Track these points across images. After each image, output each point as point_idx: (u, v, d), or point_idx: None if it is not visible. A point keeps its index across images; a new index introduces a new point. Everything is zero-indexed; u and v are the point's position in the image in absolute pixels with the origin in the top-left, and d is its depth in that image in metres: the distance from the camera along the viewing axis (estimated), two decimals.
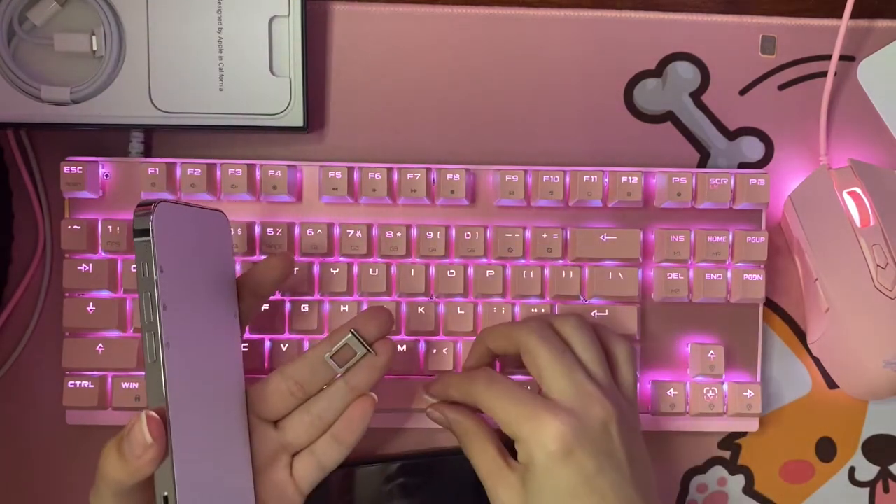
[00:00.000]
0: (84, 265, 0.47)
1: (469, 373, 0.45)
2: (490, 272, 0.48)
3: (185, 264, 0.37)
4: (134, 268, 0.47)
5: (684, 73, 0.51)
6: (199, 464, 0.37)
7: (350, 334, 0.41)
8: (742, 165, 0.51)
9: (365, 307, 0.48)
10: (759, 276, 0.48)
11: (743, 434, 0.51)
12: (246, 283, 0.42)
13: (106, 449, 0.36)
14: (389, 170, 0.48)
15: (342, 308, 0.48)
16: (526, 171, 0.48)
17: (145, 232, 0.35)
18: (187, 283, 0.37)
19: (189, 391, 0.37)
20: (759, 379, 0.49)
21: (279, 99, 0.48)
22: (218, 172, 0.48)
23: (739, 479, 0.51)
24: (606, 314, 0.48)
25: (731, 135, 0.51)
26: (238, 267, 0.47)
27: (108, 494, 0.36)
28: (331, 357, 0.41)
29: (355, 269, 0.48)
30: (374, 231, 0.48)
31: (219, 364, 0.40)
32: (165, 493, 0.35)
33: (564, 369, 0.41)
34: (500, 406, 0.41)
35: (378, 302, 0.48)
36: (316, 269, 0.48)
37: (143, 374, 0.38)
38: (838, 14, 0.50)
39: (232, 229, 0.44)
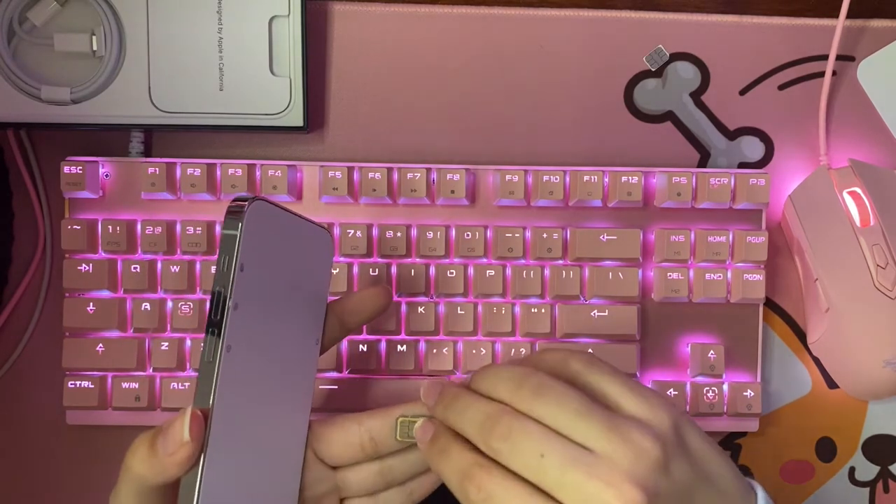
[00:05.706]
0: (84, 265, 0.47)
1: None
2: (490, 272, 0.48)
3: (270, 271, 0.34)
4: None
5: (684, 73, 0.51)
6: (232, 485, 0.33)
7: None
8: (742, 165, 0.51)
9: None
10: (759, 276, 0.48)
11: (743, 434, 0.51)
12: (335, 309, 0.39)
13: (136, 442, 0.33)
14: (389, 170, 0.48)
15: None
16: (526, 171, 0.48)
17: (234, 225, 0.32)
18: (267, 291, 0.34)
19: (241, 404, 0.33)
20: (759, 379, 0.49)
21: (279, 99, 0.48)
22: (218, 172, 0.48)
23: None
24: (606, 314, 0.48)
25: (731, 135, 0.51)
26: None
27: (129, 494, 0.33)
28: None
29: (355, 269, 0.48)
30: (374, 231, 0.48)
31: (284, 386, 0.36)
32: None
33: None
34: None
35: None
36: None
37: (196, 373, 0.34)
38: (838, 14, 0.50)
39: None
